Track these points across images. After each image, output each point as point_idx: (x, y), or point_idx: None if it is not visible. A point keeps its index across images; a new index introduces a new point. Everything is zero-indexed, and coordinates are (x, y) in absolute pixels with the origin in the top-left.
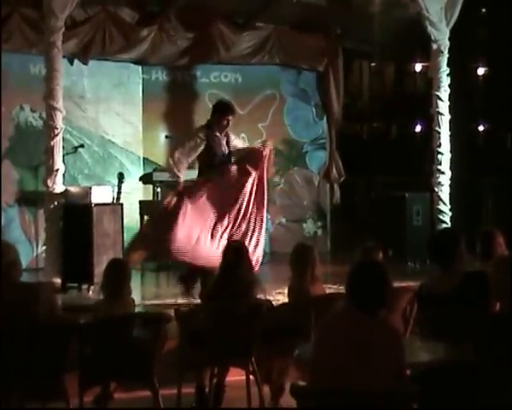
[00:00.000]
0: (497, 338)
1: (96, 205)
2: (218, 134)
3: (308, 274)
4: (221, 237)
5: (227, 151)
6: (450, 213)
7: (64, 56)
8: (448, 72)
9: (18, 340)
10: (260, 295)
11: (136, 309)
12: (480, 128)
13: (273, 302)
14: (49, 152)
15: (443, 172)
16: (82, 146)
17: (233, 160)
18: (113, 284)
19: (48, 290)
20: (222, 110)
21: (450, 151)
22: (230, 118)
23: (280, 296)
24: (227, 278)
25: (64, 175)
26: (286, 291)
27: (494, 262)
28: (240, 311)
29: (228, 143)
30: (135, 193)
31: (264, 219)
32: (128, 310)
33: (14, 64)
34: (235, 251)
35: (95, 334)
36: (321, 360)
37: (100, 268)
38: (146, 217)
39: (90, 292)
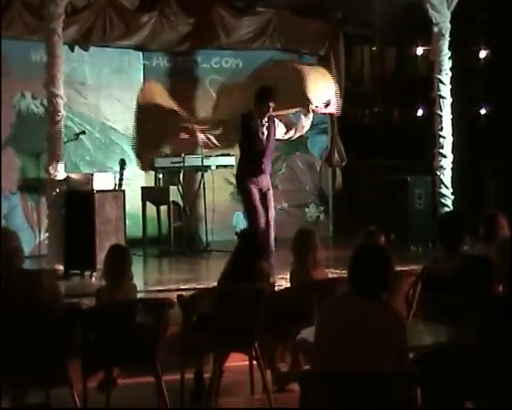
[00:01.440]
0: (498, 320)
1: (98, 192)
2: (259, 121)
3: (310, 259)
4: None
5: (270, 137)
6: (452, 197)
7: (65, 43)
8: (449, 55)
9: (21, 327)
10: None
11: (139, 295)
12: (482, 111)
13: (276, 287)
14: (51, 139)
15: (445, 156)
16: (83, 133)
17: None
18: (115, 270)
19: (50, 277)
20: (264, 96)
21: (452, 135)
22: (272, 104)
23: (282, 281)
24: (239, 266)
25: (66, 162)
26: (288, 276)
27: (496, 245)
28: (243, 296)
29: (270, 128)
30: (137, 179)
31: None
32: (130, 296)
33: (15, 51)
34: (248, 239)
35: (97, 320)
36: (324, 344)
37: (102, 255)
38: None
39: (93, 278)
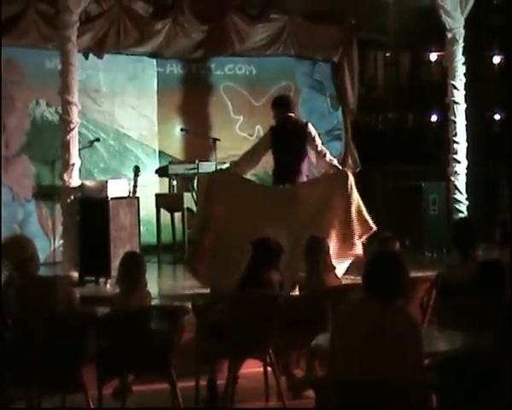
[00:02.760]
0: None
1: (113, 199)
2: (286, 128)
3: (321, 265)
4: None
5: (299, 144)
6: (466, 203)
7: (79, 51)
8: (463, 60)
9: (36, 333)
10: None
11: (154, 302)
12: (496, 117)
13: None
14: (65, 146)
15: (459, 162)
16: (98, 140)
17: None
18: (129, 277)
19: (65, 284)
20: (279, 105)
21: (466, 140)
22: (291, 111)
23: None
24: (252, 273)
25: (80, 169)
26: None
27: (510, 251)
28: (257, 303)
29: (301, 134)
30: (151, 186)
31: None
32: (144, 303)
33: (29, 59)
34: (262, 247)
35: (112, 327)
36: (338, 350)
37: (117, 262)
38: None
39: (108, 285)
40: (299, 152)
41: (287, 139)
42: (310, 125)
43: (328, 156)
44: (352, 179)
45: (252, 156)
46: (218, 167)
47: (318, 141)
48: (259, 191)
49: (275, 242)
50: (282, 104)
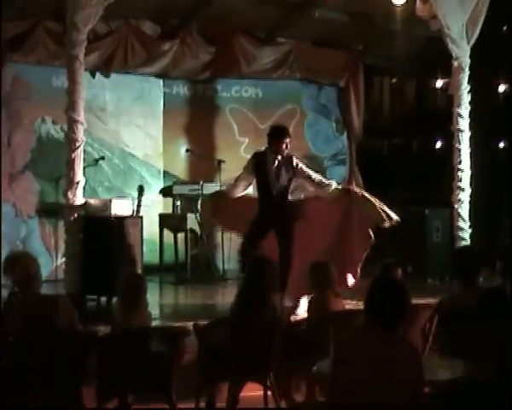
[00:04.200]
0: None
1: (116, 217)
2: (274, 159)
3: (327, 290)
4: None
5: (287, 176)
6: (469, 230)
7: (86, 69)
8: (469, 89)
9: (37, 351)
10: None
11: (155, 323)
12: (501, 145)
13: (292, 317)
14: (70, 164)
15: (463, 189)
16: (103, 158)
17: None
18: (130, 297)
19: (67, 303)
20: (279, 135)
21: (471, 168)
22: (288, 141)
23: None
24: (248, 294)
25: (84, 187)
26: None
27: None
28: (258, 326)
29: (292, 166)
30: (155, 206)
31: None
32: (145, 323)
33: (36, 76)
34: (259, 269)
35: (113, 347)
36: (340, 376)
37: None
38: None
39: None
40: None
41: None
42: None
43: (326, 182)
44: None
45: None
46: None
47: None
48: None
49: (269, 260)
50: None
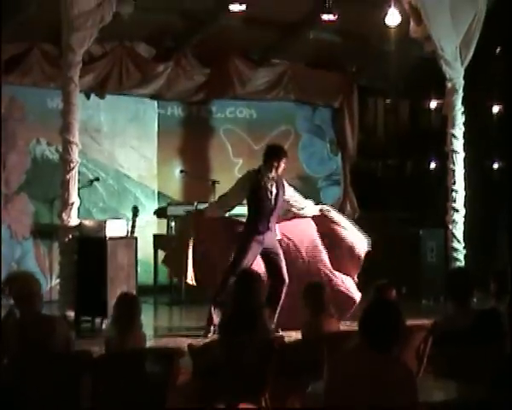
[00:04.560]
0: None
1: (111, 238)
2: (268, 179)
3: (321, 311)
4: None
5: (277, 197)
6: (464, 251)
7: (81, 91)
8: (462, 110)
9: (31, 372)
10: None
11: (149, 343)
12: (495, 166)
13: (287, 338)
14: (65, 185)
15: (457, 210)
16: (97, 179)
17: None
18: (124, 318)
19: (64, 324)
20: (277, 155)
21: (465, 189)
22: (284, 161)
23: (293, 332)
24: (238, 309)
25: (79, 208)
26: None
27: (506, 302)
28: (253, 347)
29: (279, 187)
30: (149, 227)
31: None
32: (139, 344)
33: (32, 98)
34: (246, 283)
35: (107, 368)
36: (334, 398)
37: (113, 302)
38: None
39: (104, 326)
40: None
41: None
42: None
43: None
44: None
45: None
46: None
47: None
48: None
49: (256, 273)
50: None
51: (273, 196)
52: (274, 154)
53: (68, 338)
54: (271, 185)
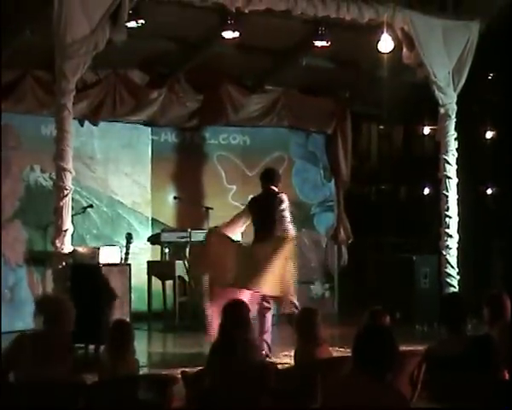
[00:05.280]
0: (504, 403)
1: (104, 265)
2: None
3: (313, 337)
4: None
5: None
6: (457, 277)
7: (74, 118)
8: (456, 136)
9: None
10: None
11: (143, 370)
12: (489, 191)
13: (280, 365)
14: (58, 212)
15: (451, 236)
16: (91, 206)
17: None
18: (117, 345)
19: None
20: (270, 177)
21: (458, 214)
22: (278, 184)
23: (287, 359)
24: (224, 340)
25: (72, 235)
26: (292, 354)
27: (499, 328)
28: (246, 374)
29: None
30: (143, 253)
31: None
32: (132, 371)
33: (25, 125)
34: (233, 313)
35: (100, 395)
36: None
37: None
38: None
39: (97, 352)
40: (272, 219)
41: (261, 208)
42: (282, 196)
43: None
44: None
45: (231, 224)
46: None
47: (283, 211)
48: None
49: (244, 304)
50: (264, 177)
51: (269, 212)
52: (264, 177)
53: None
54: (266, 204)
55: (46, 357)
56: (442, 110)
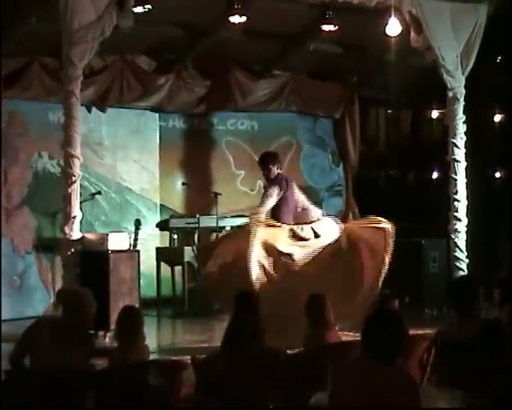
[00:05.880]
0: None
1: (113, 252)
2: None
3: (323, 322)
4: None
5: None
6: (466, 260)
7: (82, 104)
8: (464, 119)
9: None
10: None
11: (152, 356)
12: (497, 175)
13: (288, 350)
14: (67, 199)
15: (459, 219)
16: (99, 193)
17: None
18: (127, 331)
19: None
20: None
21: (467, 198)
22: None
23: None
24: (238, 328)
25: (81, 222)
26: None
27: (509, 311)
28: (254, 360)
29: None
30: (151, 240)
31: None
32: (142, 357)
33: (33, 112)
34: (245, 301)
35: (110, 382)
36: (337, 409)
37: (116, 315)
38: None
39: (107, 339)
40: None
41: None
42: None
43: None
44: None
45: None
46: (220, 223)
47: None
48: None
49: (256, 296)
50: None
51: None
52: (269, 158)
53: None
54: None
55: (63, 343)
56: (450, 94)
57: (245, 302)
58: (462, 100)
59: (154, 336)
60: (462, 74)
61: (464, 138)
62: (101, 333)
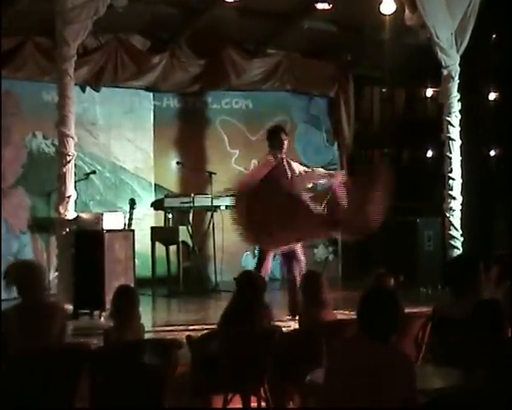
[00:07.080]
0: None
1: (108, 231)
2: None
3: (318, 301)
4: None
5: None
6: (461, 239)
7: (76, 84)
8: (459, 97)
9: (32, 364)
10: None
11: (147, 335)
12: (492, 153)
13: (284, 328)
14: (61, 179)
15: (454, 198)
16: (94, 172)
17: None
18: (122, 310)
19: (62, 312)
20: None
21: (462, 176)
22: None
23: (291, 322)
24: (242, 309)
25: (76, 201)
26: (297, 317)
27: (505, 288)
28: (252, 337)
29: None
30: (146, 219)
31: None
32: (138, 336)
33: (26, 91)
34: (252, 283)
35: (105, 361)
36: (332, 387)
37: (111, 294)
38: None
39: (102, 318)
40: None
41: None
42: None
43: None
44: None
45: None
46: (214, 202)
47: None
48: None
49: (258, 276)
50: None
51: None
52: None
53: (64, 329)
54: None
55: (35, 329)
56: (445, 72)
57: (248, 281)
58: (456, 78)
59: (149, 316)
60: (457, 52)
61: (459, 117)
62: (96, 313)
